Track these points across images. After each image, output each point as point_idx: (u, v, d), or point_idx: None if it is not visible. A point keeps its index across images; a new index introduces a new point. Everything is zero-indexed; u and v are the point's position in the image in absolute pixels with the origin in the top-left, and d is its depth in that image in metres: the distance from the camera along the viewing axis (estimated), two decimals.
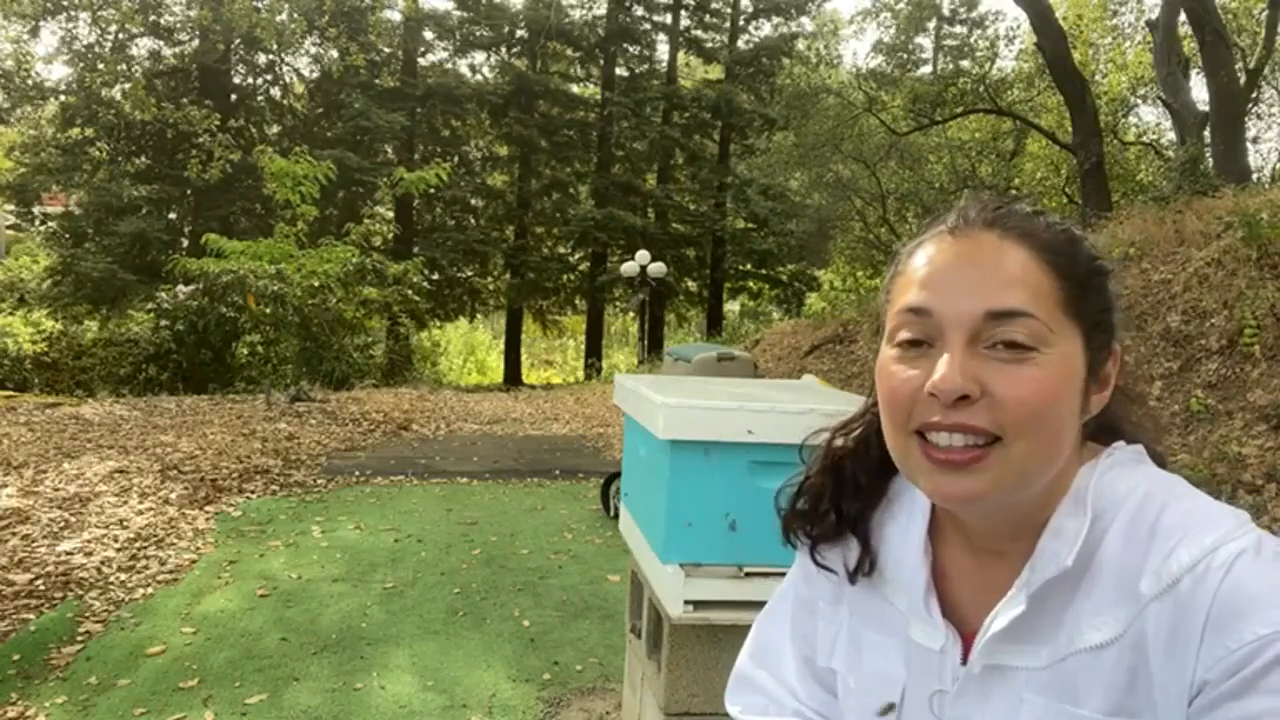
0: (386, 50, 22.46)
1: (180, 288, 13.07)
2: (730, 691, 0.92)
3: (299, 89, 23.17)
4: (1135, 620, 0.63)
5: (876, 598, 0.80)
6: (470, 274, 24.29)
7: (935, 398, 0.65)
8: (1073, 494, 0.69)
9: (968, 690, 0.71)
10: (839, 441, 0.83)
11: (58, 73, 27.33)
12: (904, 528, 0.79)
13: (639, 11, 24.61)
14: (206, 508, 5.90)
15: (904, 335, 0.69)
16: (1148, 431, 0.76)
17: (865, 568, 0.80)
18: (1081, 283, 0.69)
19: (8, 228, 22.38)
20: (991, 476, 0.65)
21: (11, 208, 19.85)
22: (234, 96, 21.71)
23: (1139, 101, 20.83)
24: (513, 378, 23.69)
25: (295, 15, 15.55)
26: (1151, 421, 0.79)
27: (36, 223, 20.49)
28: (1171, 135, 15.37)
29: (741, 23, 25.34)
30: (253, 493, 6.44)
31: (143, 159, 20.74)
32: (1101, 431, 0.73)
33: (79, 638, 3.77)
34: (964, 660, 0.72)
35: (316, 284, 10.39)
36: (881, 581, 0.79)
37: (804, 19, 25.67)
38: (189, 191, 19.91)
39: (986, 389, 0.64)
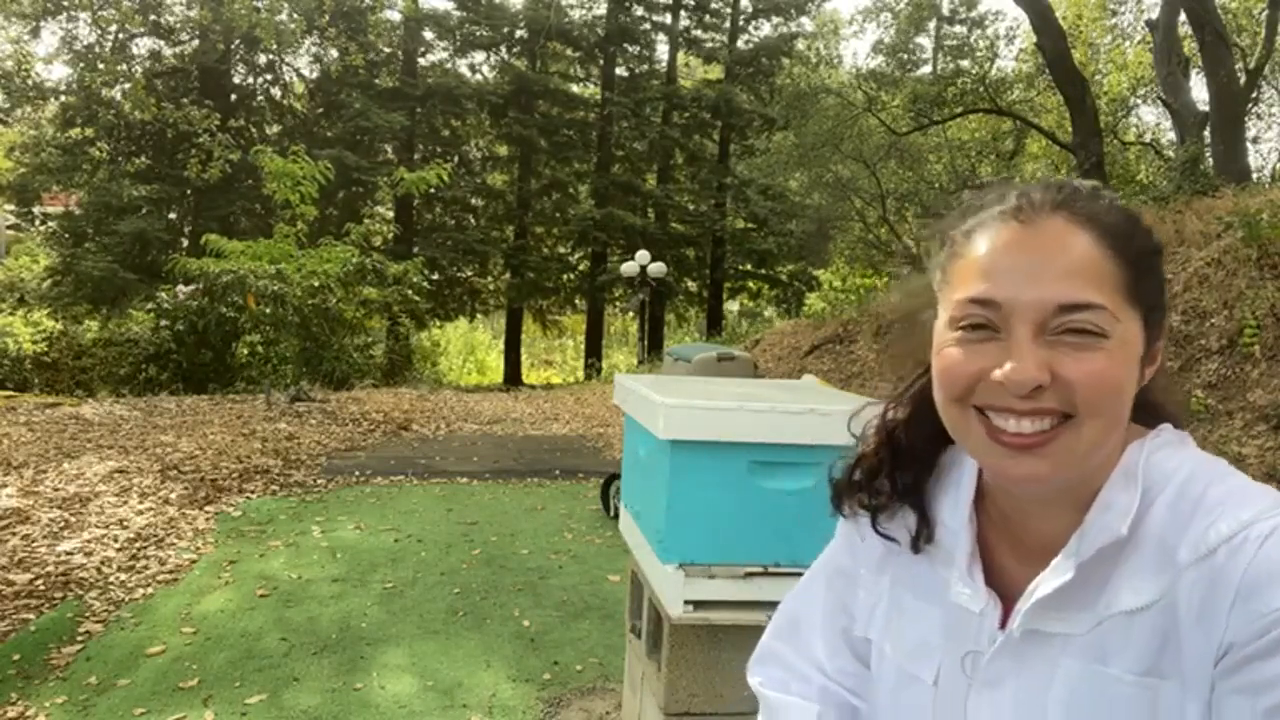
0: (386, 50, 22.46)
1: (180, 288, 13.08)
2: (753, 664, 0.93)
3: (299, 89, 23.17)
4: (1171, 587, 0.65)
5: (922, 566, 0.81)
6: (470, 274, 24.28)
7: (1004, 386, 0.66)
8: (1123, 469, 0.70)
9: (1004, 653, 0.72)
10: (893, 412, 0.84)
11: (58, 73, 27.34)
12: (952, 498, 0.80)
13: (639, 11, 24.60)
14: (206, 508, 5.90)
15: (967, 322, 0.69)
16: (1177, 406, 0.78)
17: (925, 536, 0.81)
18: (1141, 264, 0.69)
19: (8, 228, 22.38)
20: (1059, 458, 0.66)
21: (11, 208, 19.85)
22: (234, 96, 21.70)
23: (1139, 101, 20.84)
24: (513, 378, 23.68)
25: (295, 15, 15.55)
26: (1180, 397, 0.82)
27: (36, 223, 20.49)
28: (1171, 135, 15.38)
29: (741, 23, 25.33)
30: (253, 493, 6.44)
31: (143, 159, 20.73)
32: (1145, 409, 0.75)
33: (79, 638, 3.77)
34: (1002, 626, 0.73)
35: (316, 284, 10.38)
36: (931, 549, 0.81)
37: (804, 19, 25.69)
38: (189, 191, 19.91)
39: (1056, 374, 0.65)
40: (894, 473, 0.82)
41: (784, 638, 0.92)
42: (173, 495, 6.00)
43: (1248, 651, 0.60)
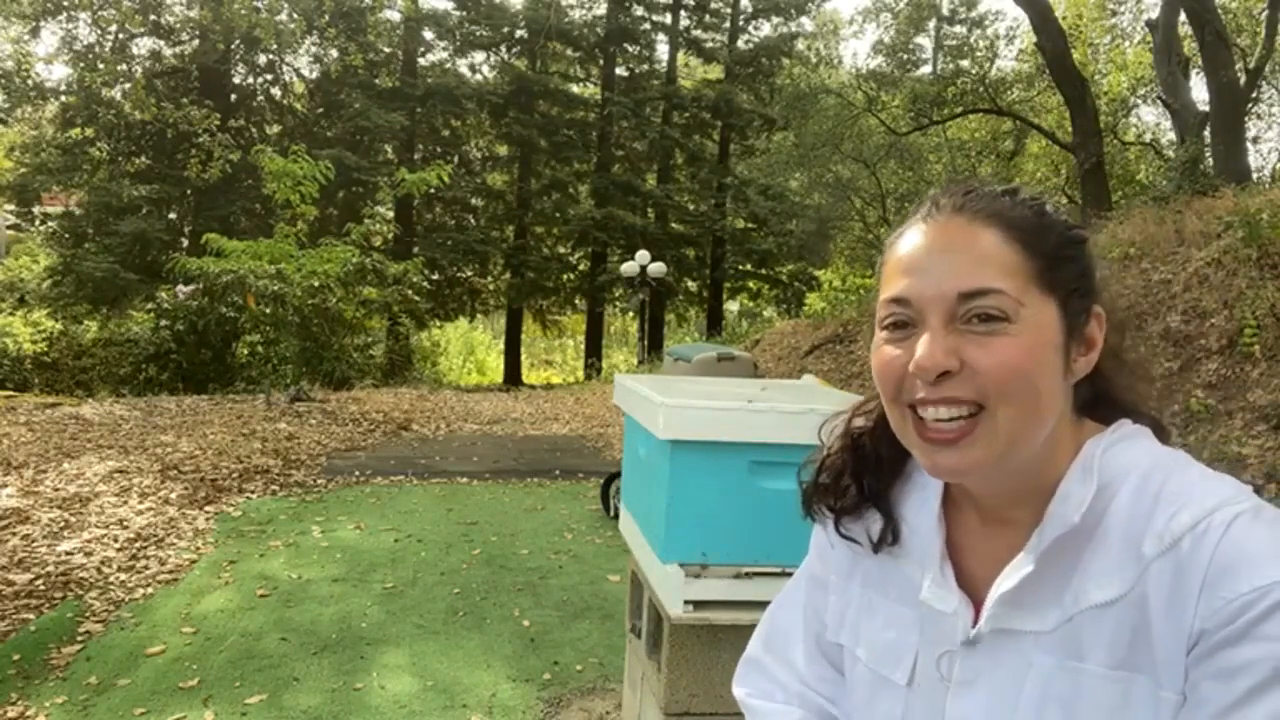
0: (386, 50, 22.44)
1: (180, 288, 13.07)
2: (738, 676, 0.95)
3: (299, 89, 23.16)
4: (1139, 580, 0.66)
5: (892, 569, 0.82)
6: (470, 274, 24.28)
7: (916, 374, 0.69)
8: (1081, 463, 0.72)
9: (977, 652, 0.73)
10: (858, 420, 0.87)
11: (58, 73, 27.32)
12: (920, 501, 0.81)
13: (639, 11, 24.60)
14: (206, 508, 5.90)
15: (889, 321, 0.73)
16: (1148, 402, 0.79)
17: (888, 538, 0.82)
18: (1053, 255, 0.71)
19: (8, 228, 22.38)
20: (981, 448, 0.69)
21: (11, 208, 19.84)
22: (234, 96, 21.70)
23: (1139, 101, 20.85)
24: (513, 378, 23.68)
25: (295, 15, 15.55)
26: (1150, 390, 0.83)
27: (36, 223, 20.49)
28: (1171, 135, 15.38)
29: (741, 23, 25.34)
30: (253, 493, 6.44)
31: (143, 159, 20.72)
32: (1102, 403, 0.76)
33: (79, 638, 3.77)
34: (974, 626, 0.74)
35: (316, 284, 10.38)
36: (899, 551, 0.82)
37: (804, 19, 25.70)
38: (189, 191, 19.90)
39: (965, 361, 0.68)
40: (860, 477, 0.85)
41: (766, 647, 0.93)
42: (173, 495, 6.00)
43: (1218, 638, 0.61)
